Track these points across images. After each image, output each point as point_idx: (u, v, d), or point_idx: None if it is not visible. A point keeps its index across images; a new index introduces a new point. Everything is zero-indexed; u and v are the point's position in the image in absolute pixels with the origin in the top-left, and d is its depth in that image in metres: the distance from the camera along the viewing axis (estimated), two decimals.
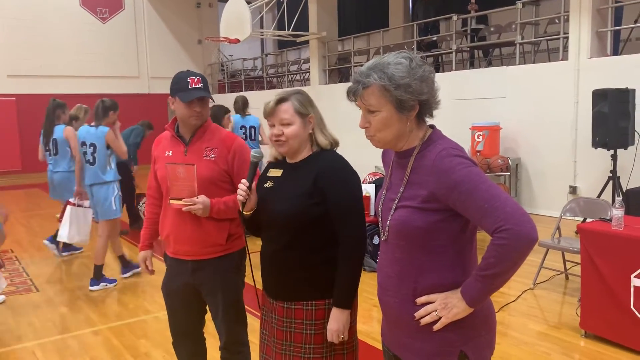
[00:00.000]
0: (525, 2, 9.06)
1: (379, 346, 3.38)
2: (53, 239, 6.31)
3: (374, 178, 6.21)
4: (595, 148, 6.61)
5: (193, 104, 2.49)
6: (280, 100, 2.09)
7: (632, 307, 3.52)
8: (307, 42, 13.69)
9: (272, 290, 2.16)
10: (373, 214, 5.50)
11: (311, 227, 2.04)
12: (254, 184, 2.11)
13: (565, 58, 8.11)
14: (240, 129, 7.26)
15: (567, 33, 8.08)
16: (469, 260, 1.65)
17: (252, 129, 7.34)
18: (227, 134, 2.65)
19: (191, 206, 2.45)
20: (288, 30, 12.31)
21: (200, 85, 2.49)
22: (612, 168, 6.57)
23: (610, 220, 3.71)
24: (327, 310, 2.07)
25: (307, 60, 14.43)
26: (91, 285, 5.25)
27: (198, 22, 17.83)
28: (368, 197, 5.59)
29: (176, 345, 2.79)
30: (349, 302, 2.05)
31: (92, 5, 15.90)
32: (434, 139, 1.66)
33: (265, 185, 2.16)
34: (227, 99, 16.02)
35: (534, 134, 8.34)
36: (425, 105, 1.63)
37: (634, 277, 3.49)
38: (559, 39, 8.51)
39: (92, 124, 5.32)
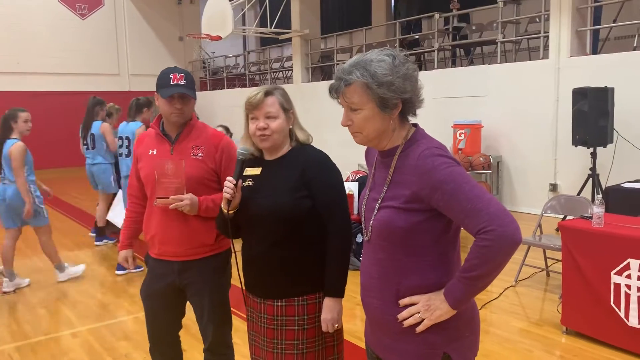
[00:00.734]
0: (507, 1, 9.12)
1: (362, 345, 3.37)
2: (95, 230, 6.99)
3: (357, 176, 6.20)
4: (576, 146, 6.68)
5: (173, 100, 2.44)
6: (267, 94, 2.07)
7: (612, 303, 3.55)
8: (289, 39, 13.65)
9: (260, 290, 2.14)
10: (356, 212, 5.49)
11: (299, 222, 2.03)
12: (240, 182, 2.08)
13: (545, 57, 8.18)
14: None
15: (548, 32, 8.16)
16: (452, 261, 1.63)
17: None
18: (214, 132, 2.61)
19: (178, 203, 2.40)
20: (270, 27, 12.24)
21: (182, 82, 2.44)
22: (591, 166, 6.65)
23: (591, 217, 3.74)
24: (318, 303, 2.08)
25: (289, 58, 14.39)
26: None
27: (179, 19, 17.66)
28: (352, 195, 5.57)
29: (154, 350, 2.73)
30: (341, 290, 2.07)
31: (71, 1, 15.66)
32: (417, 138, 1.64)
33: (245, 184, 2.12)
34: (210, 97, 15.95)
35: (515, 132, 8.41)
36: (409, 103, 1.61)
37: (614, 274, 3.53)
38: (539, 37, 8.59)
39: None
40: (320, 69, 13.42)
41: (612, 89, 6.54)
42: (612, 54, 7.47)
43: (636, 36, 7.66)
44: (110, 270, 5.73)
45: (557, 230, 5.37)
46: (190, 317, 2.73)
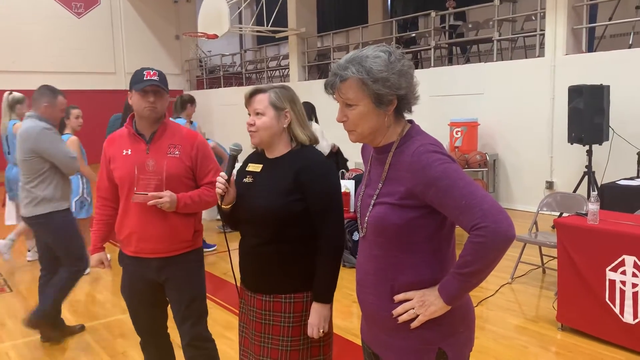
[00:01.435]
0: None
1: (359, 342, 3.38)
2: None
3: (354, 174, 6.21)
4: (571, 144, 6.70)
5: (147, 94, 2.48)
6: (257, 91, 2.10)
7: (607, 300, 3.57)
8: (286, 38, 13.64)
9: (251, 284, 2.16)
10: (352, 210, 5.50)
11: (291, 222, 2.04)
12: (232, 177, 2.10)
13: (541, 55, 8.20)
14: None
15: (544, 30, 8.18)
16: (447, 258, 1.64)
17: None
18: (188, 131, 2.68)
19: (158, 200, 2.44)
20: (267, 26, 12.23)
21: (155, 78, 2.49)
22: (587, 163, 6.68)
23: (586, 214, 3.76)
24: (305, 303, 2.08)
25: (286, 57, 14.38)
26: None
27: (176, 17, 17.62)
28: (347, 193, 5.58)
29: (145, 344, 2.79)
30: (329, 296, 2.07)
31: None
32: (412, 134, 1.64)
33: (245, 180, 2.15)
34: (205, 95, 15.92)
35: (511, 130, 8.42)
36: (404, 100, 1.61)
37: (609, 270, 3.55)
38: (535, 35, 8.61)
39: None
40: (317, 67, 13.41)
41: (608, 86, 6.56)
42: (608, 51, 7.49)
43: (632, 34, 7.68)
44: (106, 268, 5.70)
45: (553, 227, 5.39)
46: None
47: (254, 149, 2.21)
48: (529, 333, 3.93)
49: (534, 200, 6.72)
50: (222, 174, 2.07)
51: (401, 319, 1.61)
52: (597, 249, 3.60)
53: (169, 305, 2.75)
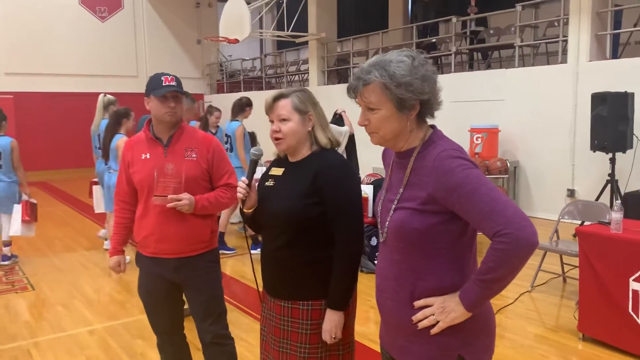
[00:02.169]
0: (525, 4, 9.06)
1: (377, 348, 3.36)
2: None
3: (372, 179, 6.20)
4: (594, 151, 6.61)
5: (167, 100, 2.54)
6: (279, 97, 2.09)
7: (630, 310, 3.50)
8: (306, 43, 13.68)
9: (271, 288, 2.17)
10: (371, 215, 5.49)
11: (309, 226, 2.03)
12: (253, 182, 2.11)
13: (564, 61, 8.11)
14: None
15: (567, 36, 8.08)
16: (468, 264, 1.63)
17: (229, 137, 6.61)
18: (203, 134, 2.75)
19: (177, 202, 2.50)
20: (287, 30, 12.29)
21: (173, 83, 2.56)
22: (610, 171, 6.57)
23: (609, 223, 3.70)
24: (324, 310, 2.06)
25: (306, 61, 14.42)
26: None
27: (197, 22, 17.79)
28: (366, 198, 5.57)
29: (163, 343, 2.83)
30: (342, 304, 2.04)
31: (91, 3, 15.86)
32: (435, 139, 1.64)
33: (267, 184, 2.16)
34: (226, 99, 16.04)
35: (532, 137, 8.33)
36: (426, 105, 1.61)
37: (633, 280, 3.48)
38: (558, 42, 8.51)
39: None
40: (336, 72, 13.43)
41: (632, 94, 6.46)
42: (633, 58, 7.38)
43: None
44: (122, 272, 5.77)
45: (575, 235, 5.30)
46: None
47: (276, 155, 2.21)
48: (549, 342, 3.87)
49: (555, 208, 6.63)
50: (243, 178, 2.09)
51: (421, 325, 1.60)
52: (621, 258, 3.53)
53: (185, 306, 2.80)
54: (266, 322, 2.21)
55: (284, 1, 12.20)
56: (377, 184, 5.82)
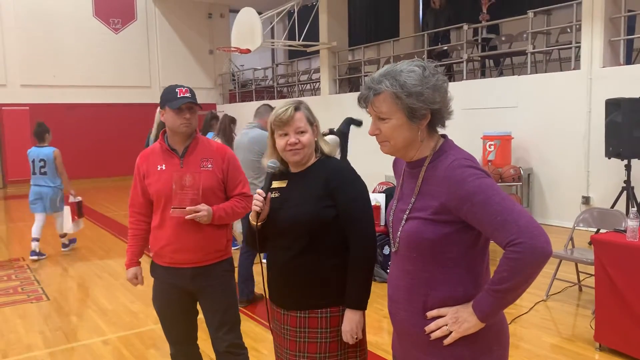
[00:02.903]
0: (537, 11, 9.03)
1: (389, 357, 3.34)
2: None
3: (384, 187, 6.18)
4: (609, 158, 6.53)
5: (182, 111, 2.58)
6: (296, 109, 2.11)
7: None
8: (317, 52, 13.73)
9: (284, 301, 2.15)
10: (383, 224, 5.47)
11: (323, 231, 2.05)
12: (269, 195, 2.12)
13: (577, 67, 8.05)
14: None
15: (579, 42, 8.03)
16: (481, 274, 1.61)
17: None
18: (218, 144, 2.77)
19: (196, 214, 2.52)
20: (299, 40, 12.35)
21: (188, 94, 2.60)
22: (626, 178, 6.49)
23: (625, 231, 3.65)
24: (341, 316, 2.07)
25: (317, 70, 14.47)
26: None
27: (209, 33, 17.95)
28: (378, 207, 5.55)
29: (175, 354, 2.84)
30: (361, 303, 2.06)
31: (105, 15, 16.08)
32: (446, 149, 1.63)
33: (272, 196, 2.16)
34: (238, 109, 16.14)
35: (546, 144, 8.27)
36: (437, 114, 1.61)
37: None
38: (570, 48, 8.46)
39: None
40: (348, 81, 13.46)
41: None
42: None
43: None
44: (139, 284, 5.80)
45: (590, 243, 5.25)
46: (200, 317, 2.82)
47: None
48: (565, 352, 3.81)
49: (570, 215, 6.56)
50: (260, 191, 2.09)
51: (434, 335, 1.59)
52: (637, 266, 3.48)
53: (198, 317, 2.81)
54: (279, 338, 2.19)
55: (295, 11, 12.28)
56: (389, 192, 5.80)
